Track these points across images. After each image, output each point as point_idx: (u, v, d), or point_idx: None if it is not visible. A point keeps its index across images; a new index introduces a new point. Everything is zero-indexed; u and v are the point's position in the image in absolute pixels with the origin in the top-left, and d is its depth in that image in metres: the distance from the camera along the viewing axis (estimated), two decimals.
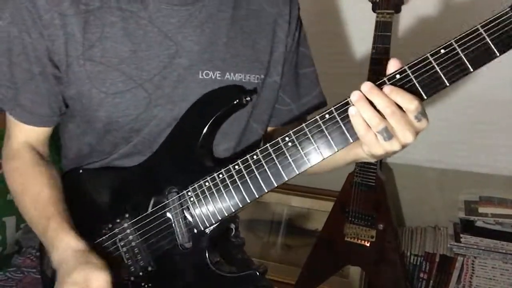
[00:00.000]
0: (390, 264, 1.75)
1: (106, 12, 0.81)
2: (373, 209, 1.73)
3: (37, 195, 0.86)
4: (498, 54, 0.66)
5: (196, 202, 0.82)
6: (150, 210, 0.85)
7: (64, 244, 0.79)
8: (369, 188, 1.73)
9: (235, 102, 0.82)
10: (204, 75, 0.85)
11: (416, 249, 1.93)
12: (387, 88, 0.68)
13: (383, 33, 1.60)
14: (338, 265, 1.86)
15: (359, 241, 1.76)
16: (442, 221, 2.02)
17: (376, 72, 1.60)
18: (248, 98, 0.83)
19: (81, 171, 0.91)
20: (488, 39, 0.66)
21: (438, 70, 0.68)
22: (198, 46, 0.84)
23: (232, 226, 1.02)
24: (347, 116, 0.71)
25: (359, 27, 1.85)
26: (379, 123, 0.68)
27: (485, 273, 1.82)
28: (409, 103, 0.67)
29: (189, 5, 0.84)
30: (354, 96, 0.70)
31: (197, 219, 0.82)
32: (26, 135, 0.90)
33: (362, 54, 1.79)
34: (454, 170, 1.97)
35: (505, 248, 1.77)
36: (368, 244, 1.75)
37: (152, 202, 0.85)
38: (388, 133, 0.68)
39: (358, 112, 0.69)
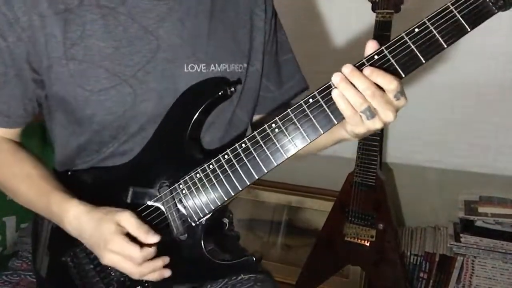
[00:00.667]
0: (390, 264, 1.75)
1: (85, 9, 0.81)
2: (373, 209, 1.73)
3: (29, 176, 0.87)
4: (469, 29, 0.69)
5: (188, 194, 0.83)
6: (143, 206, 0.85)
7: (73, 213, 0.81)
8: (369, 188, 1.73)
9: (220, 93, 0.83)
10: (189, 68, 0.86)
11: (416, 249, 1.93)
12: (367, 70, 0.70)
13: (383, 33, 1.60)
14: (338, 265, 1.86)
15: (359, 241, 1.76)
16: (442, 221, 2.02)
17: None
18: (233, 89, 0.84)
19: (69, 173, 0.91)
20: (458, 16, 0.69)
21: (414, 48, 0.70)
22: (180, 40, 0.85)
23: (226, 220, 1.02)
24: (330, 99, 0.73)
25: (359, 27, 1.85)
26: (362, 103, 0.70)
27: (485, 273, 1.82)
28: (389, 83, 0.70)
29: (168, 0, 0.84)
30: (336, 78, 0.71)
31: (191, 211, 0.83)
32: None
33: (362, 54, 1.79)
34: (454, 170, 1.97)
35: (505, 248, 1.77)
36: (368, 244, 1.75)
37: (145, 198, 0.86)
38: (371, 113, 0.71)
39: (341, 93, 0.71)
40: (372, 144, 1.67)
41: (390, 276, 1.76)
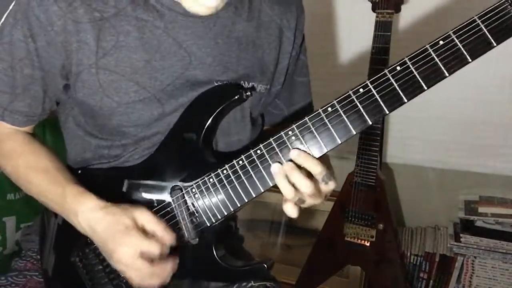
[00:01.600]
0: (390, 264, 1.75)
1: (121, 20, 0.80)
2: (373, 209, 1.73)
3: (44, 168, 0.86)
4: (495, 44, 0.68)
5: (201, 198, 0.82)
6: (154, 208, 0.84)
7: (89, 206, 0.80)
8: (369, 188, 1.72)
9: (236, 97, 0.83)
10: (219, 83, 0.86)
11: (416, 249, 1.93)
12: (294, 152, 0.74)
13: (383, 33, 1.60)
14: (338, 265, 1.86)
15: (359, 241, 1.76)
16: (442, 221, 2.02)
17: (376, 72, 1.60)
18: (249, 93, 0.83)
19: (79, 171, 0.91)
20: (485, 29, 0.68)
21: (438, 61, 0.70)
22: (211, 58, 0.85)
23: (232, 223, 1.02)
24: (350, 109, 0.73)
25: (359, 27, 1.85)
26: (294, 197, 0.74)
27: (485, 273, 1.82)
28: (314, 167, 0.73)
29: (204, 18, 0.83)
30: (274, 169, 0.75)
31: (203, 215, 0.83)
32: (13, 127, 0.90)
33: (362, 54, 1.79)
34: (454, 170, 1.96)
35: (505, 248, 1.77)
36: (368, 244, 1.75)
37: (156, 200, 0.85)
38: (301, 201, 0.76)
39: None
40: (372, 144, 1.67)
41: (390, 276, 1.76)
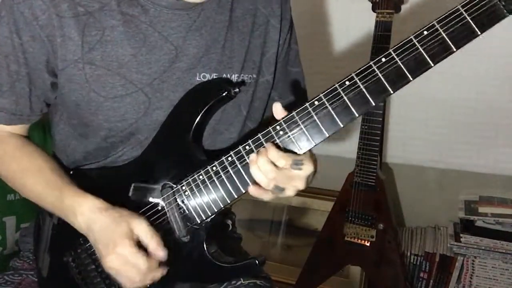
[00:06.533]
0: (390, 264, 1.75)
1: (106, 14, 0.80)
2: (373, 209, 1.73)
3: (39, 171, 0.87)
4: (479, 32, 0.68)
5: (191, 195, 0.83)
6: (145, 207, 0.85)
7: (88, 207, 0.81)
8: (369, 188, 1.72)
9: (224, 94, 0.83)
10: (201, 77, 0.86)
11: (416, 249, 1.93)
12: (263, 149, 0.75)
13: (383, 33, 1.60)
14: (338, 265, 1.86)
15: (359, 241, 1.76)
16: (442, 221, 2.02)
17: None
18: (237, 90, 0.83)
19: (71, 172, 0.91)
20: (468, 18, 0.68)
21: (422, 51, 0.70)
22: (196, 50, 0.85)
23: (229, 222, 1.02)
24: (336, 101, 0.74)
25: (359, 27, 1.85)
26: (268, 184, 0.75)
27: (485, 273, 1.82)
28: (277, 161, 0.73)
29: (189, 10, 0.84)
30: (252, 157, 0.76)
31: (193, 213, 0.83)
32: (6, 130, 0.90)
33: (362, 54, 1.79)
34: (454, 170, 1.97)
35: (505, 248, 1.77)
36: (368, 244, 1.75)
37: (146, 199, 0.85)
38: (279, 188, 0.76)
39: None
40: (372, 144, 1.67)
41: (390, 276, 1.76)
